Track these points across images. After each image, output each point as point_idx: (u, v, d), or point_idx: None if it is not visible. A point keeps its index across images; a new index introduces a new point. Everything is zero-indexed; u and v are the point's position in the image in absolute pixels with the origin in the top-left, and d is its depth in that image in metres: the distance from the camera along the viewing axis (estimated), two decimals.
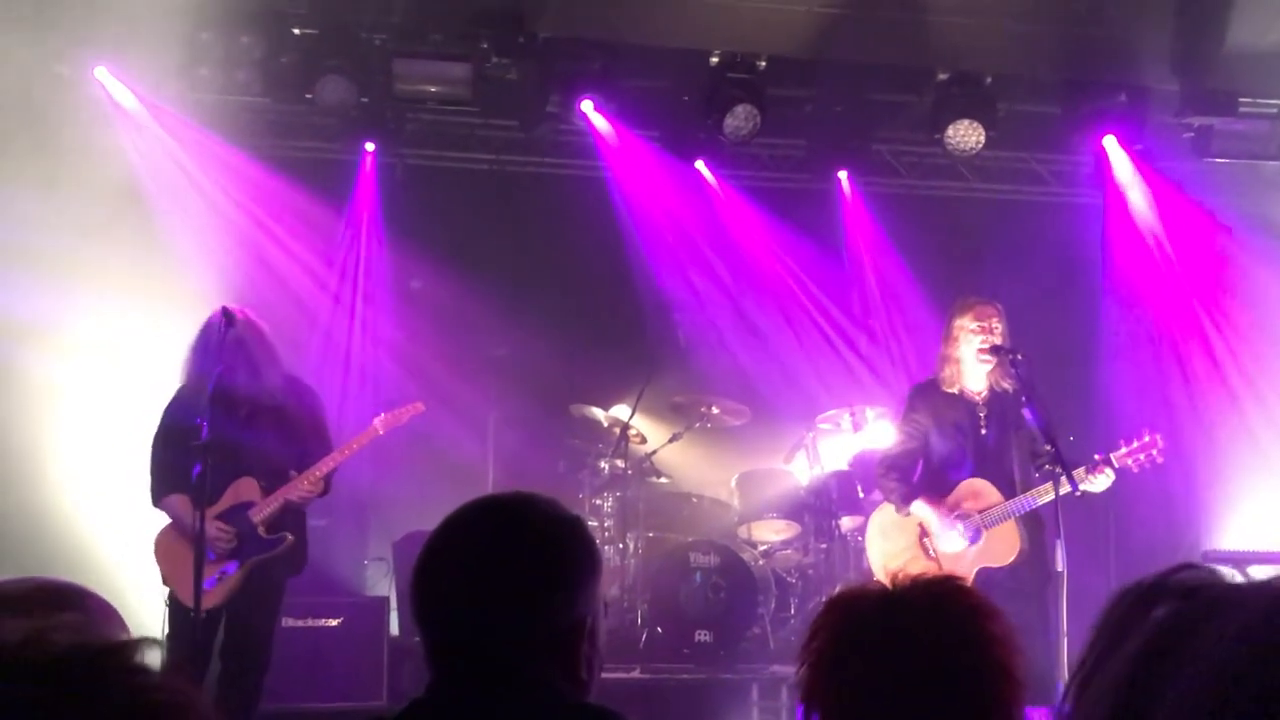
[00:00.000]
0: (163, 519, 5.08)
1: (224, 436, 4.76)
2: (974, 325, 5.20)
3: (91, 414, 6.87)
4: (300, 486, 5.03)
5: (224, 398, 4.81)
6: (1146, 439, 4.99)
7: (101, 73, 7.11)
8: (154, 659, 0.79)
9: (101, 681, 0.75)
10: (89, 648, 0.77)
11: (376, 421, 5.34)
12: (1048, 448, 4.84)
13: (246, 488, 5.04)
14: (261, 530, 5.02)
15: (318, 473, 5.06)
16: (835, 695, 1.51)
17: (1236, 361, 8.15)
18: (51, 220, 6.76)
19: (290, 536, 5.06)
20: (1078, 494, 4.82)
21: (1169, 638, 0.72)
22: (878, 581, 1.61)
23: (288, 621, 5.95)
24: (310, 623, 6.19)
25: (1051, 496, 4.82)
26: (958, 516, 5.17)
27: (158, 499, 5.05)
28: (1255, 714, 0.65)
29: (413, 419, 5.47)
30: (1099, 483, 4.92)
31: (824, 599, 1.65)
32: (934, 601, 1.54)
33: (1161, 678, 0.70)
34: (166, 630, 4.88)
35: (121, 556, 6.04)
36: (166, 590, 4.98)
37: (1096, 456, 4.96)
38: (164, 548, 5.05)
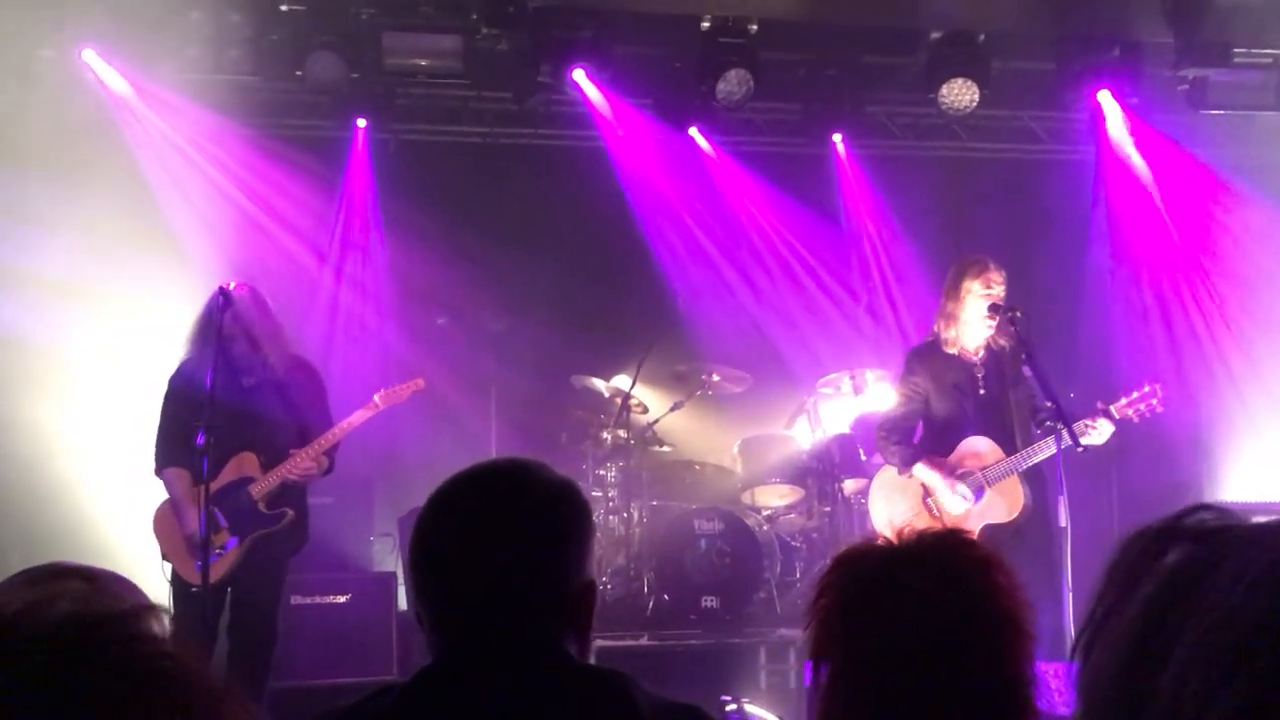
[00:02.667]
0: (161, 495, 5.10)
1: (226, 411, 4.77)
2: (983, 292, 5.17)
3: (94, 392, 6.88)
4: (300, 463, 5.04)
5: (226, 373, 4.82)
6: (1146, 389, 5.00)
7: (89, 55, 7.06)
8: (160, 628, 0.78)
9: (101, 648, 0.74)
10: (90, 615, 0.76)
11: (376, 397, 5.36)
12: (1049, 404, 4.84)
13: (247, 463, 5.06)
14: (261, 506, 5.04)
15: (317, 448, 5.07)
16: (844, 652, 1.52)
17: (1234, 313, 8.15)
18: (45, 202, 6.75)
19: (291, 512, 5.08)
20: (1080, 450, 4.83)
21: (1182, 584, 0.67)
22: (884, 537, 1.61)
23: (297, 599, 6.00)
24: (319, 599, 6.23)
25: (1053, 451, 4.83)
26: (959, 476, 5.19)
27: (159, 469, 5.09)
28: (1273, 670, 0.60)
29: (413, 395, 5.48)
30: (1099, 435, 4.93)
31: (829, 560, 1.64)
32: (940, 555, 1.54)
33: (1175, 626, 0.65)
34: (170, 608, 4.90)
35: (123, 534, 6.06)
36: (169, 568, 5.00)
37: (1099, 405, 4.97)
38: (161, 524, 5.07)
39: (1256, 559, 0.65)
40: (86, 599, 0.80)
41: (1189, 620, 0.64)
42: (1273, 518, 0.69)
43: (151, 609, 0.79)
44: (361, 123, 7.81)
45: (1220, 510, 0.72)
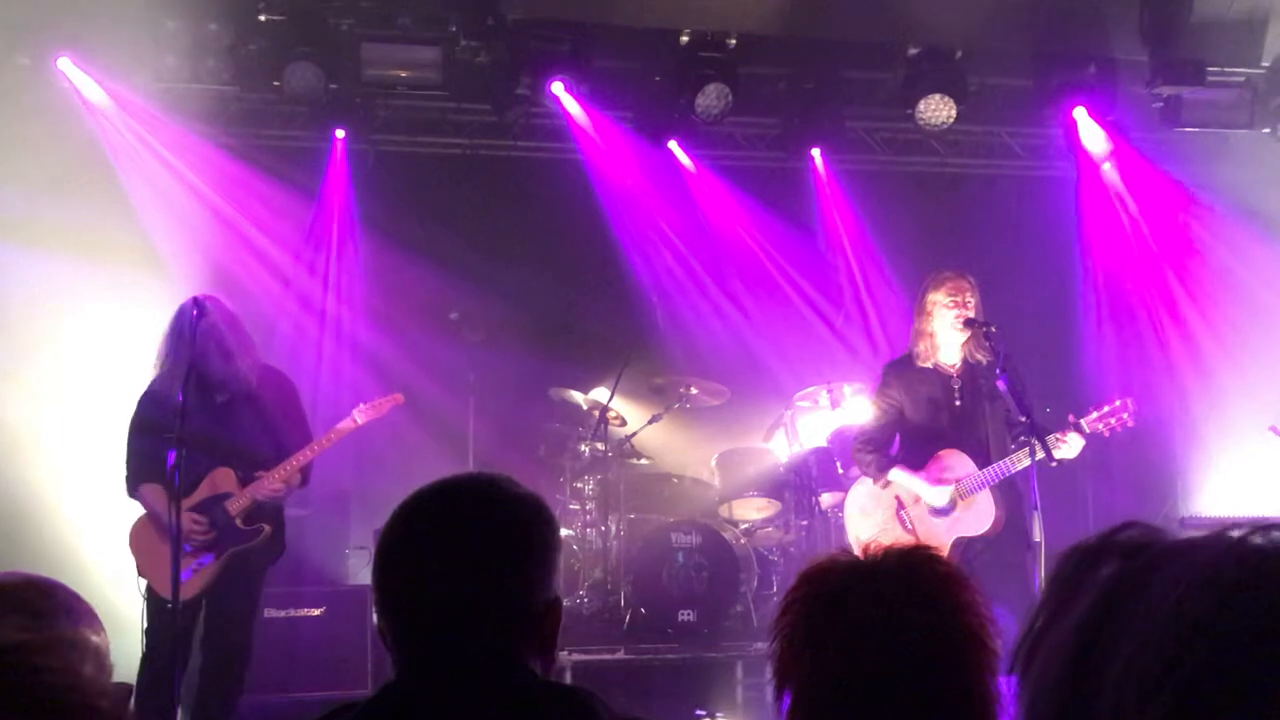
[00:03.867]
0: (138, 510, 5.05)
1: (200, 426, 4.73)
2: (947, 300, 5.21)
3: (69, 404, 6.83)
4: (269, 484, 5.00)
5: (199, 387, 4.78)
6: (1117, 403, 5.02)
7: (65, 63, 7.02)
8: (66, 660, 0.78)
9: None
10: None
11: (355, 413, 5.32)
12: (1023, 419, 4.86)
13: (223, 478, 5.01)
14: (238, 521, 5.00)
15: (293, 464, 5.03)
16: (808, 669, 1.51)
17: (1208, 329, 8.22)
18: (21, 212, 6.71)
19: (267, 528, 5.04)
20: (1053, 464, 4.85)
21: (1116, 596, 0.70)
22: (849, 552, 1.61)
23: (270, 612, 5.95)
24: (293, 613, 6.18)
25: (1025, 464, 4.85)
26: (936, 482, 5.19)
27: (133, 489, 5.03)
28: (1210, 671, 0.63)
29: (392, 410, 5.46)
30: (1069, 448, 4.95)
31: (796, 576, 1.64)
32: (905, 571, 1.54)
33: (1110, 638, 0.68)
34: (145, 623, 4.85)
35: (99, 549, 6.01)
36: (144, 582, 4.95)
37: (1070, 419, 4.99)
38: (138, 539, 5.02)
39: (1184, 573, 0.68)
40: None
41: (1123, 634, 0.67)
42: (1199, 533, 0.72)
43: (61, 641, 0.79)
44: (340, 133, 7.79)
45: (1147, 527, 0.76)
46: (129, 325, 6.25)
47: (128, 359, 5.68)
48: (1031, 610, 0.76)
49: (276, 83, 7.15)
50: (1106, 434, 5.02)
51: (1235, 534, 0.70)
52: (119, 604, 4.93)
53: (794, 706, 1.51)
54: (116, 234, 6.82)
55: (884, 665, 1.47)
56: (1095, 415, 5.00)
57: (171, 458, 4.58)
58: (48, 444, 6.81)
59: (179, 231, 7.25)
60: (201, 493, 4.96)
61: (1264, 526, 0.70)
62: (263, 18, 7.11)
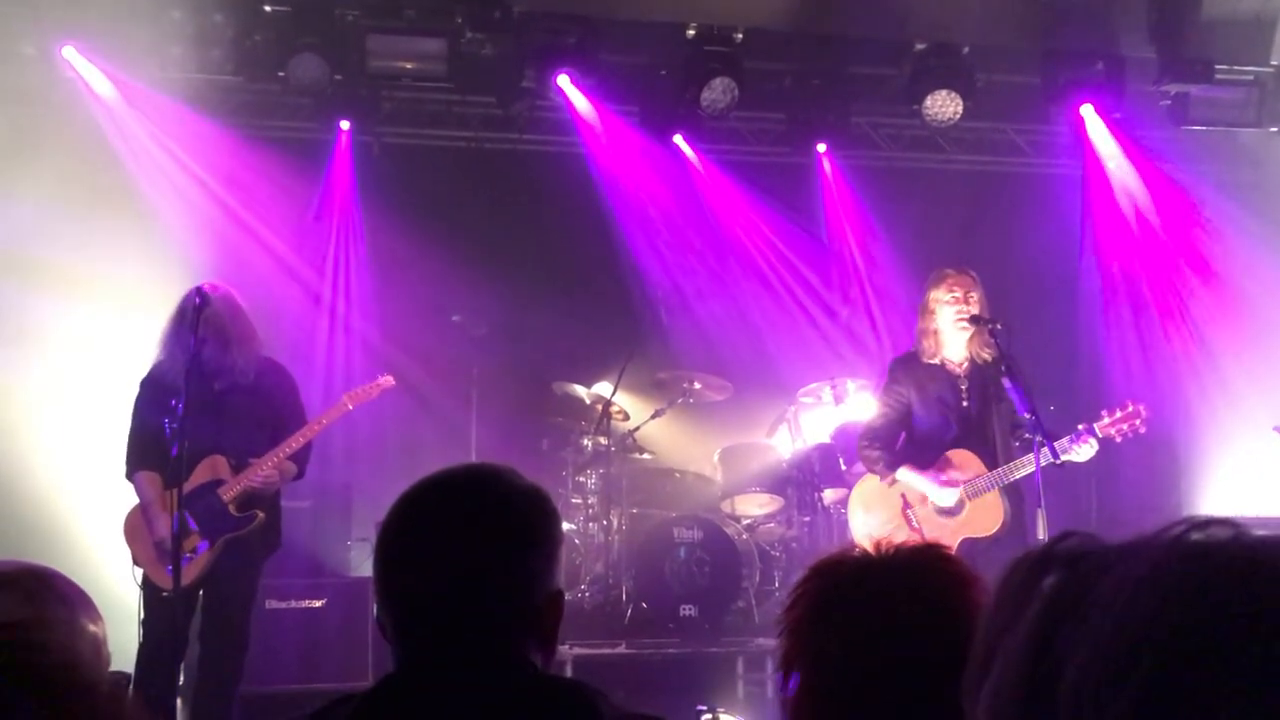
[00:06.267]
0: (134, 499, 5.04)
1: (197, 414, 4.71)
2: (949, 296, 5.18)
3: (70, 393, 6.82)
4: (260, 470, 4.98)
5: (198, 375, 4.77)
6: (1130, 409, 4.98)
7: (70, 52, 7.01)
8: (60, 640, 0.78)
9: None
10: None
11: (346, 397, 5.32)
12: (1027, 416, 4.83)
13: (218, 465, 5.00)
14: (232, 508, 4.98)
15: (284, 450, 5.02)
16: (813, 662, 1.49)
17: (1215, 327, 8.19)
18: (24, 201, 6.70)
19: (260, 514, 5.02)
20: (1059, 463, 4.82)
21: (1059, 606, 0.71)
22: (860, 547, 1.59)
23: (272, 603, 5.95)
24: (295, 604, 6.18)
25: (1034, 467, 4.82)
26: (944, 483, 5.17)
27: (130, 473, 5.03)
28: (1161, 677, 0.64)
29: (383, 393, 5.44)
30: (1082, 453, 4.91)
31: (806, 569, 1.63)
32: (915, 569, 1.52)
33: (1059, 649, 0.69)
34: (142, 613, 4.84)
35: (98, 537, 6.00)
36: (139, 572, 4.94)
37: (1080, 427, 4.94)
38: (132, 529, 5.01)
39: (1125, 579, 0.69)
40: None
41: (1071, 644, 0.68)
42: (1137, 535, 0.73)
43: (48, 621, 0.80)
44: (345, 125, 7.77)
45: (1086, 535, 0.77)
46: (132, 313, 6.24)
47: (130, 347, 5.68)
48: (984, 618, 0.77)
49: (281, 74, 7.14)
50: (1118, 439, 4.98)
51: (1173, 532, 0.70)
52: (118, 593, 4.92)
53: (798, 698, 1.50)
54: (120, 222, 6.81)
55: (888, 662, 1.46)
56: (1107, 420, 4.96)
57: (174, 450, 4.57)
58: (48, 433, 6.80)
59: (183, 221, 7.24)
60: (196, 479, 4.92)
61: (1201, 523, 0.70)
62: (268, 9, 7.09)
